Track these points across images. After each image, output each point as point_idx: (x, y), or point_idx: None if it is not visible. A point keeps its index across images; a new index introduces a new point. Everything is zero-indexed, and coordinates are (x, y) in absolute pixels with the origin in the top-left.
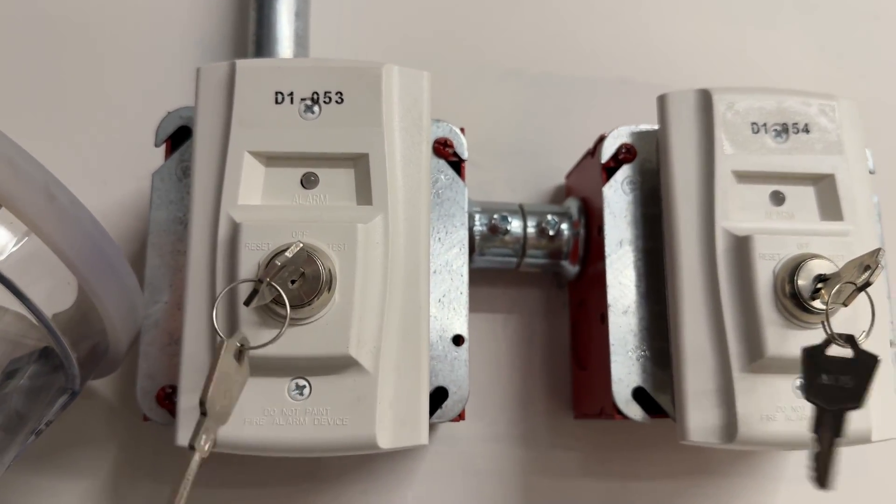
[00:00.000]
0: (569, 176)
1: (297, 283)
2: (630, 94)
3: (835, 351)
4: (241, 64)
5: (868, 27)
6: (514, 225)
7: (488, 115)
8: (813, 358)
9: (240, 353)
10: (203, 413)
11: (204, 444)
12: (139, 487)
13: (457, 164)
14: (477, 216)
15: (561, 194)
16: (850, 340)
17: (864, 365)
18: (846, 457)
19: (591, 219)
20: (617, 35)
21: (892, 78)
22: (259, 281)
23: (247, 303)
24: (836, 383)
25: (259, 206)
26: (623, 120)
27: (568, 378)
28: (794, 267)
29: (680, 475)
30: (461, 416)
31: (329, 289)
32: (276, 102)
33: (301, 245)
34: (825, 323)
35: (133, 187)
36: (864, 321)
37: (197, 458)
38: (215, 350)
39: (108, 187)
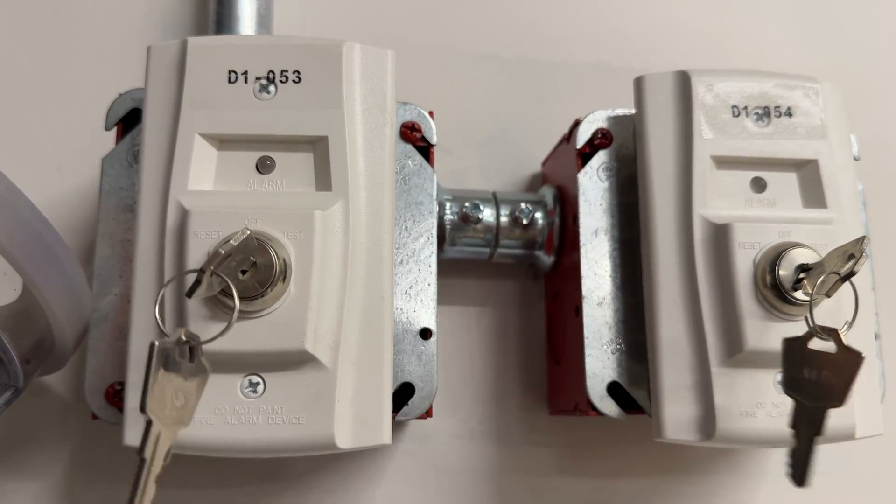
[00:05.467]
0: (545, 163)
1: (249, 273)
2: (608, 79)
3: (817, 344)
4: (193, 41)
5: (852, 11)
6: (487, 213)
7: (462, 100)
8: (794, 350)
9: (191, 350)
10: (148, 421)
11: (156, 451)
12: (94, 488)
13: (425, 150)
14: (448, 204)
15: (537, 182)
16: (833, 334)
17: (847, 362)
18: (830, 453)
19: (567, 207)
20: (594, 18)
21: (877, 63)
22: (201, 271)
23: (189, 294)
24: (817, 379)
25: (210, 191)
26: (602, 105)
27: (543, 373)
28: (776, 256)
29: (658, 473)
30: (428, 414)
31: (283, 279)
32: (230, 82)
33: (248, 232)
34: (808, 315)
35: (89, 174)
36: (848, 313)
37: (148, 467)
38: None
39: (63, 175)
